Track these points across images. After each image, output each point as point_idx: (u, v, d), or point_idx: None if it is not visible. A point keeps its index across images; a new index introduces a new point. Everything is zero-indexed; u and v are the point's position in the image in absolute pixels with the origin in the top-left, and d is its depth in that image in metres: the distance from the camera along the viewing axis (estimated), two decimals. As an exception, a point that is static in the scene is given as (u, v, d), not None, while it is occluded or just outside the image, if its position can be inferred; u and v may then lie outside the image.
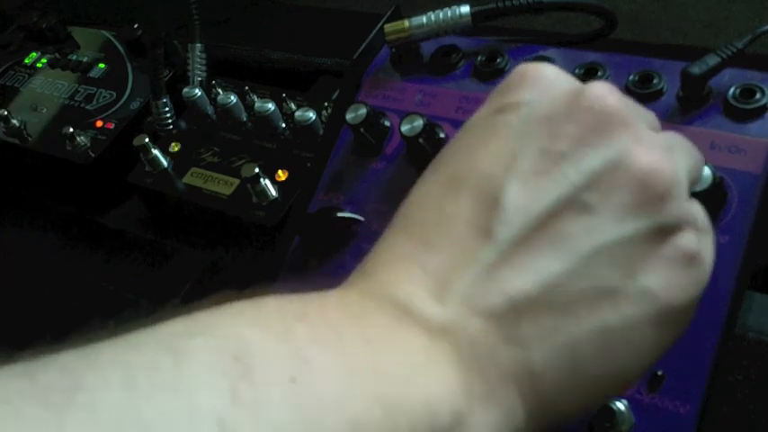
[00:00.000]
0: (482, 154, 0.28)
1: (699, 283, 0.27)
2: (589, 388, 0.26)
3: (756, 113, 0.38)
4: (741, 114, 0.38)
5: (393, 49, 0.47)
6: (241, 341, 0.22)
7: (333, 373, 0.23)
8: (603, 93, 0.27)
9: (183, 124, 0.62)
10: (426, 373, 0.24)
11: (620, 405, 0.33)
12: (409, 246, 0.28)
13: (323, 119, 0.54)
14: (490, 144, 0.28)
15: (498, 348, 0.25)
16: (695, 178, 0.31)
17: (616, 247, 0.26)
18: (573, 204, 0.26)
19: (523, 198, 0.26)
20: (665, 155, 0.27)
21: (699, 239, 0.28)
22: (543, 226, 0.26)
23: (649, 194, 0.26)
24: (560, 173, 0.26)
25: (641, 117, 0.29)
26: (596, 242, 0.26)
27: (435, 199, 0.28)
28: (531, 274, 0.25)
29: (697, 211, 0.28)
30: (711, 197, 0.34)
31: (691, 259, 0.27)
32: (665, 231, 0.27)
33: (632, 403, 0.33)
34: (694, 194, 0.31)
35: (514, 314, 0.25)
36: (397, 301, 0.26)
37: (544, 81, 0.29)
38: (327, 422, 0.22)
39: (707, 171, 0.33)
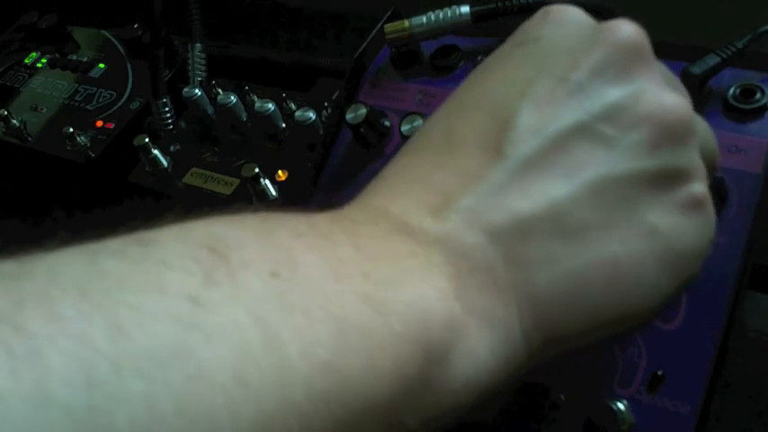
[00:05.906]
0: (496, 80, 0.27)
1: (705, 232, 0.27)
2: (593, 318, 0.25)
3: (756, 113, 0.38)
4: (741, 114, 0.38)
5: (393, 49, 0.47)
6: (217, 236, 0.21)
7: (318, 272, 0.21)
8: (628, 29, 0.27)
9: (182, 124, 0.62)
10: (419, 280, 0.23)
11: (621, 405, 0.33)
12: (416, 166, 0.27)
13: (323, 119, 0.54)
14: (506, 72, 0.27)
15: (498, 267, 0.24)
16: (709, 151, 0.29)
17: (626, 182, 0.25)
18: (587, 133, 0.25)
19: (537, 120, 0.25)
20: (684, 101, 0.27)
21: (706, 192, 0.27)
22: (555, 150, 0.25)
23: (667, 134, 0.26)
24: (576, 101, 0.25)
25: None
26: (607, 174, 0.25)
27: (446, 123, 0.28)
28: (539, 196, 0.25)
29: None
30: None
31: (699, 206, 0.27)
32: (676, 175, 0.26)
33: (632, 403, 0.33)
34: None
35: (519, 235, 0.24)
36: (391, 214, 0.25)
37: (568, 18, 0.28)
38: (312, 315, 0.20)
39: (707, 171, 0.33)
